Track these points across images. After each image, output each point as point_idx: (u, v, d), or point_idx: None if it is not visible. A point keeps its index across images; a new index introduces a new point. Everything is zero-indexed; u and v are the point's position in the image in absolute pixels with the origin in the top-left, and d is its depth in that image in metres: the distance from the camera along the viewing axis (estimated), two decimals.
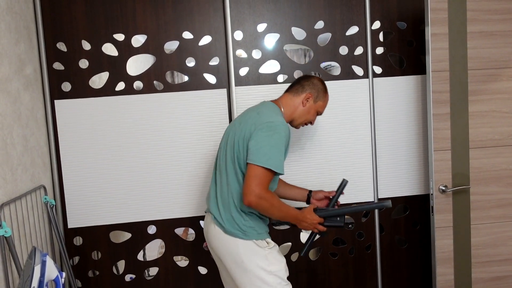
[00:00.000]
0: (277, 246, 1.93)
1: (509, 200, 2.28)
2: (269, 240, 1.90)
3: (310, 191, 2.13)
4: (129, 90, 2.31)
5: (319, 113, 2.00)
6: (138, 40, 2.29)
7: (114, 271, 2.41)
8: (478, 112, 2.24)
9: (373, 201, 2.29)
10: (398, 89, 2.45)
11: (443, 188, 2.23)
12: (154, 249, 2.42)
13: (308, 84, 1.94)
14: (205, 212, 2.00)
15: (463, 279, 2.30)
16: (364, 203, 2.14)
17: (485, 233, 2.29)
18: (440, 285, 2.28)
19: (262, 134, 1.74)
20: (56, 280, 1.49)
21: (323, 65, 2.40)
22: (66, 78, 2.27)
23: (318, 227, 1.86)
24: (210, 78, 2.35)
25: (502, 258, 2.31)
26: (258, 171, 1.70)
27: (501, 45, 2.20)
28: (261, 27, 2.35)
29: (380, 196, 2.50)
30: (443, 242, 2.27)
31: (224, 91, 2.35)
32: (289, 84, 2.37)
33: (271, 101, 1.94)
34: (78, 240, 2.37)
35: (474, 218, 2.28)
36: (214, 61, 2.34)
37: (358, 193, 2.48)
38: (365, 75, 2.43)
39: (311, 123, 2.01)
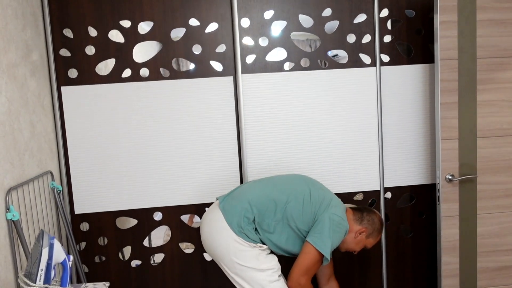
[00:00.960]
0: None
1: None
2: (262, 244, 1.96)
3: None
4: (135, 77, 2.31)
5: (366, 247, 2.04)
6: (144, 27, 2.29)
7: (120, 257, 2.43)
8: (486, 101, 2.22)
9: None
10: (406, 77, 2.44)
11: (450, 177, 2.22)
12: (160, 236, 2.44)
13: (369, 219, 2.01)
14: (216, 199, 2.01)
15: (468, 268, 2.30)
16: None
17: (491, 222, 2.29)
18: (445, 274, 2.28)
19: (330, 222, 1.88)
20: (63, 263, 1.50)
21: (329, 53, 2.39)
22: (72, 64, 2.27)
23: None
24: (217, 66, 2.34)
25: (508, 248, 2.30)
26: (315, 255, 1.85)
27: (511, 34, 2.18)
28: (268, 14, 2.34)
29: (386, 186, 2.50)
30: (449, 231, 2.27)
31: (231, 78, 2.35)
32: (297, 72, 2.36)
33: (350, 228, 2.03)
34: (84, 226, 2.38)
35: (480, 208, 2.28)
36: (221, 49, 2.33)
37: (364, 182, 2.48)
38: (373, 64, 2.41)
39: (354, 252, 2.07)
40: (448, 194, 2.24)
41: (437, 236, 2.29)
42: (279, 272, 1.91)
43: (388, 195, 2.52)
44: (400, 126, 2.47)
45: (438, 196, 2.24)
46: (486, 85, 2.21)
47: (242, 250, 1.84)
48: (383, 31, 2.40)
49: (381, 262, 2.56)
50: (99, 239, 2.40)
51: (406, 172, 2.51)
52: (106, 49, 2.28)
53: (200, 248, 2.46)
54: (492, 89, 2.21)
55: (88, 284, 1.67)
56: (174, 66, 2.32)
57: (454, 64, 2.18)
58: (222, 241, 1.88)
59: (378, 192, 2.50)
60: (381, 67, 2.41)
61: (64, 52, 2.26)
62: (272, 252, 1.98)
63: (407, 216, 2.55)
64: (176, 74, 2.32)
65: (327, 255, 1.83)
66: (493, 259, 2.31)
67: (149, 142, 2.35)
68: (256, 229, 1.89)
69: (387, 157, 2.48)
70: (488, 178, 2.26)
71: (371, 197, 2.50)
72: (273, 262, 1.90)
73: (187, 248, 2.46)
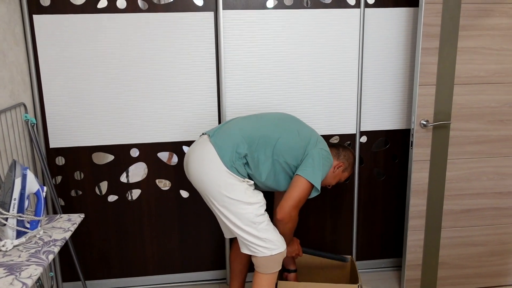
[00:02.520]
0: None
1: (488, 137, 2.33)
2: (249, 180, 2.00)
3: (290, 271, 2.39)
4: (111, 8, 2.21)
5: (340, 181, 2.15)
6: None
7: (97, 191, 2.45)
8: (467, 48, 2.22)
9: (337, 254, 2.44)
10: (390, 21, 2.40)
11: (424, 122, 2.26)
12: (137, 172, 2.45)
13: (345, 155, 2.11)
14: (202, 134, 2.01)
15: (435, 210, 2.40)
16: (329, 254, 2.41)
17: (460, 167, 2.36)
18: (412, 215, 2.38)
19: (320, 155, 1.95)
20: (37, 194, 1.50)
21: None
22: None
23: (295, 254, 2.23)
24: (197, 0, 2.26)
25: (474, 192, 2.40)
26: (305, 185, 1.90)
27: None
28: None
29: (362, 129, 2.53)
30: (419, 175, 2.34)
31: (212, 14, 2.27)
32: (279, 11, 2.30)
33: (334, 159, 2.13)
34: (60, 160, 2.37)
35: (451, 153, 2.34)
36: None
37: (341, 125, 2.50)
38: (357, 5, 2.36)
39: (329, 186, 2.17)
40: (421, 139, 2.29)
41: (408, 179, 2.36)
42: (265, 207, 1.96)
43: (364, 139, 2.56)
44: (380, 71, 2.46)
45: (412, 141, 2.29)
46: (468, 32, 2.20)
47: (232, 184, 1.87)
48: None
49: (352, 204, 2.64)
50: (75, 173, 2.40)
51: (383, 116, 2.54)
52: None
53: (176, 185, 2.49)
54: (474, 36, 2.21)
55: (63, 215, 1.69)
56: None
57: (438, 8, 2.15)
58: (212, 174, 1.88)
59: (354, 135, 2.53)
60: (366, 8, 2.37)
61: None
62: (257, 188, 2.03)
63: (380, 159, 2.61)
64: (155, 7, 2.24)
65: (318, 186, 1.90)
66: (459, 202, 2.41)
67: (126, 76, 2.29)
68: (246, 164, 1.92)
69: (365, 101, 2.50)
70: (461, 125, 2.31)
71: (347, 140, 2.54)
72: (260, 197, 1.94)
73: (164, 185, 2.48)
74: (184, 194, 2.51)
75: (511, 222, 2.45)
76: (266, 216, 1.94)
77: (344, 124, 2.51)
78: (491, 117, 2.31)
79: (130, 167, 2.43)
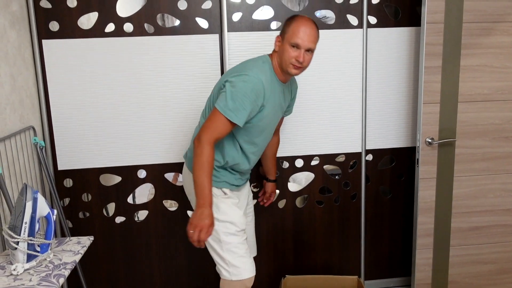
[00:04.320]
0: (238, 200, 2.00)
1: (494, 153, 2.34)
2: (227, 191, 1.93)
3: (268, 180, 2.34)
4: (119, 32, 2.25)
5: (294, 45, 1.74)
6: None
7: (104, 213, 2.45)
8: (469, 66, 2.24)
9: None
10: (392, 40, 2.44)
11: (430, 140, 2.27)
12: (144, 193, 2.46)
13: (282, 27, 1.84)
14: None
15: (443, 228, 2.39)
16: None
17: (467, 185, 2.36)
18: (420, 233, 2.37)
19: (232, 82, 1.71)
20: (47, 217, 1.52)
21: (317, 14, 2.36)
22: (53, 17, 2.20)
23: (203, 232, 1.62)
24: (202, 23, 2.30)
25: (481, 209, 2.40)
26: (216, 116, 1.70)
27: None
28: None
29: (367, 148, 2.55)
30: (426, 192, 2.34)
31: (216, 36, 2.31)
32: None
33: (269, 54, 1.88)
34: (68, 182, 2.39)
35: (457, 171, 2.34)
36: (207, 5, 2.28)
37: (346, 144, 2.52)
38: (360, 25, 2.40)
39: (297, 60, 1.75)
40: (427, 157, 2.30)
41: (415, 197, 2.36)
42: (240, 229, 1.85)
43: (370, 157, 2.57)
44: (384, 89, 2.49)
45: (417, 159, 2.30)
46: (471, 50, 2.23)
47: None
48: None
49: (359, 222, 2.64)
50: (83, 195, 2.42)
51: (388, 135, 2.55)
52: (88, 2, 2.21)
53: (183, 206, 2.50)
54: (476, 54, 2.23)
55: (72, 238, 1.70)
56: (159, 21, 2.27)
57: (440, 28, 2.18)
58: (189, 188, 1.98)
59: (359, 154, 2.55)
60: (368, 29, 2.40)
61: (45, 4, 2.19)
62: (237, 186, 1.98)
63: (387, 177, 2.62)
64: (161, 30, 2.28)
65: (230, 116, 1.69)
66: (466, 220, 2.40)
67: (133, 99, 2.33)
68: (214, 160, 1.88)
69: (370, 120, 2.52)
70: (466, 142, 2.31)
71: (352, 158, 2.55)
72: (234, 217, 1.85)
73: (171, 206, 2.49)
74: (191, 214, 2.51)
75: None
76: (239, 239, 1.85)
77: (349, 143, 2.52)
78: (496, 134, 2.32)
79: (137, 188, 2.45)
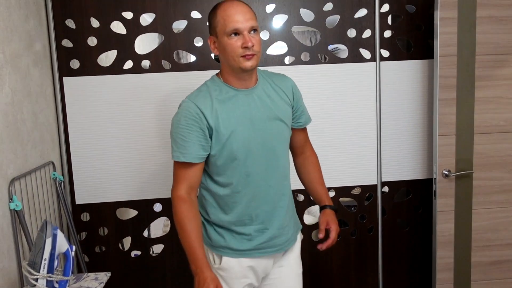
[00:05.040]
0: (234, 277, 1.56)
1: None
2: (231, 261, 1.55)
3: (325, 207, 1.70)
4: (136, 69, 2.32)
5: (232, 32, 1.40)
6: (146, 18, 2.29)
7: (120, 247, 2.46)
8: (484, 97, 2.24)
9: None
10: (405, 73, 2.46)
11: (447, 172, 2.25)
12: (159, 227, 2.47)
13: (209, 27, 1.51)
14: None
15: (463, 263, 2.34)
16: None
17: (486, 217, 2.32)
18: (440, 267, 2.32)
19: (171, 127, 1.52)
20: (66, 253, 1.53)
21: (330, 47, 2.41)
22: (74, 55, 2.28)
23: None
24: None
25: (502, 243, 2.34)
26: (174, 165, 1.52)
27: (510, 31, 2.20)
28: (270, 7, 2.35)
29: (383, 180, 2.53)
30: (444, 226, 2.30)
31: None
32: (297, 67, 2.38)
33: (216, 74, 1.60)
34: (85, 216, 2.41)
35: (476, 203, 2.31)
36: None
37: (362, 176, 2.51)
38: (373, 59, 2.43)
39: (245, 47, 1.40)
40: (444, 189, 2.27)
41: (433, 230, 2.32)
42: None
43: (386, 189, 2.55)
44: (398, 121, 2.49)
45: (435, 191, 2.27)
46: (485, 82, 2.23)
47: None
48: (384, 26, 2.42)
49: (377, 256, 2.60)
50: (99, 229, 2.43)
51: (404, 166, 2.54)
52: (108, 40, 2.28)
53: None
54: (490, 86, 2.24)
55: (90, 274, 1.70)
56: (175, 58, 2.33)
57: (453, 61, 2.20)
58: None
59: (375, 186, 2.53)
60: (381, 62, 2.43)
61: (66, 43, 2.27)
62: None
63: (403, 210, 2.59)
64: (178, 66, 2.34)
65: (174, 156, 1.48)
66: (487, 254, 2.35)
67: (150, 133, 2.36)
68: (203, 211, 1.60)
69: (385, 152, 2.51)
70: (484, 174, 2.29)
71: (368, 191, 2.53)
72: None
73: None
74: None
75: None
76: None
77: (365, 175, 2.51)
78: None
79: (152, 222, 2.45)
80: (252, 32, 1.42)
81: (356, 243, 2.58)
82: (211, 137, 1.47)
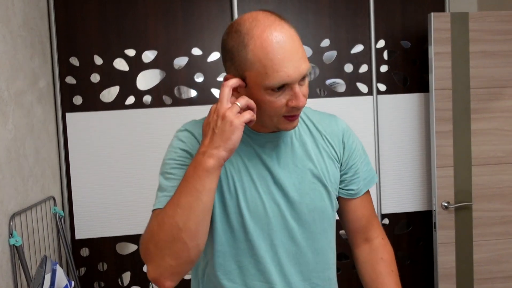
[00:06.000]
0: None
1: None
2: None
3: None
4: (138, 104, 2.36)
5: (277, 87, 0.91)
6: (148, 55, 2.35)
7: (120, 282, 2.43)
8: (480, 130, 2.27)
9: None
10: (402, 106, 2.50)
11: (446, 204, 2.26)
12: None
13: (222, 56, 0.98)
14: None
15: None
16: None
17: (487, 249, 2.31)
18: None
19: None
20: None
21: (328, 82, 2.46)
22: (77, 91, 2.33)
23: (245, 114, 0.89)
24: (218, 93, 2.40)
25: (505, 275, 2.32)
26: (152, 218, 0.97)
27: (503, 65, 2.25)
28: None
29: (383, 212, 2.53)
30: (445, 258, 2.29)
31: None
32: None
33: None
34: (84, 251, 2.40)
35: (476, 235, 2.31)
36: (222, 77, 2.39)
37: None
38: (370, 92, 2.47)
39: (295, 107, 0.93)
40: (444, 221, 2.28)
41: (434, 263, 2.31)
42: None
43: (386, 221, 2.55)
44: (396, 154, 2.52)
45: (435, 223, 2.27)
46: (480, 114, 2.27)
47: None
48: (380, 61, 2.48)
49: None
50: (99, 264, 2.41)
51: (403, 199, 2.54)
52: (110, 77, 2.34)
53: None
54: (486, 118, 2.27)
55: None
56: (176, 93, 2.38)
57: (448, 94, 2.24)
58: None
59: None
60: (378, 95, 2.48)
61: (70, 80, 2.32)
62: None
63: (404, 243, 2.58)
64: (178, 102, 2.38)
65: (156, 203, 0.97)
66: (490, 286, 2.32)
67: (150, 168, 2.38)
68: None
69: (384, 184, 2.52)
70: (483, 206, 2.30)
71: None
72: None
73: (187, 274, 2.46)
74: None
75: None
76: None
77: None
78: None
79: None
80: (302, 80, 0.93)
81: (358, 276, 2.55)
82: None
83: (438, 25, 2.21)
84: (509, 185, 2.29)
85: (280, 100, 0.92)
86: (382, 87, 2.49)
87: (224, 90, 0.90)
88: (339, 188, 1.11)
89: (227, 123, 0.87)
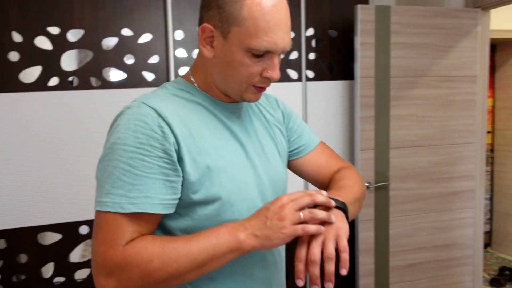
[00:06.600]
0: None
1: (423, 195, 2.56)
2: None
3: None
4: (63, 86, 2.21)
5: (263, 51, 0.87)
6: (74, 34, 2.20)
7: (42, 274, 2.30)
8: (398, 115, 2.47)
9: None
10: (329, 92, 2.63)
11: (367, 184, 2.44)
12: (86, 250, 2.35)
13: (204, 3, 0.91)
14: None
15: (382, 267, 2.54)
16: None
17: (402, 224, 2.55)
18: (362, 273, 2.50)
19: (105, 149, 0.87)
20: None
21: None
22: None
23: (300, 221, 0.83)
24: (149, 76, 2.33)
25: (415, 247, 2.58)
26: (98, 220, 0.84)
27: (419, 56, 2.46)
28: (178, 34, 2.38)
29: None
30: (365, 234, 2.49)
31: None
32: None
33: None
34: (1, 244, 2.22)
35: (392, 212, 2.53)
36: (154, 60, 2.32)
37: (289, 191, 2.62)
38: (299, 79, 2.56)
39: (270, 78, 0.91)
40: (365, 200, 2.46)
41: (355, 238, 2.49)
42: None
43: None
44: (323, 138, 2.65)
45: None
46: (398, 101, 2.47)
47: None
48: (309, 49, 2.57)
49: None
50: (18, 257, 2.26)
51: None
52: (31, 56, 2.15)
53: None
54: (403, 105, 2.48)
55: None
56: (105, 75, 2.27)
57: (371, 82, 2.40)
58: None
59: None
60: (307, 82, 2.58)
61: None
62: None
63: None
64: (107, 84, 2.27)
65: (112, 204, 0.82)
66: (403, 258, 2.57)
67: (76, 153, 2.26)
68: None
69: None
70: (399, 185, 2.52)
71: None
72: None
73: None
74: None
75: (449, 273, 2.65)
76: None
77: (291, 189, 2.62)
78: (424, 177, 2.55)
79: (78, 246, 2.34)
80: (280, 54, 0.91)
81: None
82: (178, 168, 0.86)
83: (364, 16, 2.34)
84: (421, 166, 2.54)
85: (257, 67, 0.89)
86: (311, 74, 2.59)
87: (304, 197, 0.84)
88: (290, 152, 1.14)
89: (279, 226, 0.82)
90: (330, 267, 0.82)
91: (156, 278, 0.80)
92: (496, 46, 4.10)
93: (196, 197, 0.88)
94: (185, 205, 0.89)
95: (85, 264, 2.35)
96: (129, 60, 2.29)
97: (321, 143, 1.18)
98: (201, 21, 0.92)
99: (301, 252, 0.84)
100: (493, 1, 2.45)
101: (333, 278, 0.82)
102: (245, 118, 1.02)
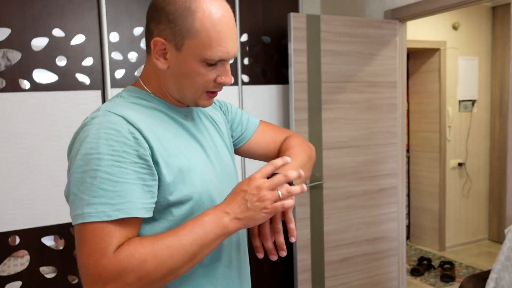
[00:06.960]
0: None
1: (353, 192, 2.72)
2: None
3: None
4: None
5: (215, 60, 0.92)
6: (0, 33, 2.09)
7: None
8: (329, 118, 2.62)
9: None
10: (264, 96, 2.72)
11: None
12: (16, 262, 2.22)
13: (152, 17, 0.94)
14: None
15: (318, 262, 2.66)
16: None
17: (334, 221, 2.69)
18: (300, 269, 2.60)
19: (73, 159, 0.87)
20: None
21: None
22: None
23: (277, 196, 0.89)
24: (84, 79, 2.26)
25: (347, 242, 2.74)
26: (82, 233, 0.83)
27: (346, 63, 2.63)
28: (138, 30, 2.36)
29: None
30: (302, 231, 2.59)
31: (99, 92, 2.29)
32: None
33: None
34: None
35: (326, 209, 2.66)
36: (88, 62, 2.26)
37: None
38: (235, 83, 2.63)
39: (223, 83, 0.97)
40: (301, 199, 2.57)
41: None
42: None
43: None
44: None
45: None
46: (329, 105, 2.61)
47: None
48: (244, 54, 2.64)
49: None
50: None
51: None
52: None
53: (64, 271, 2.31)
54: (333, 108, 2.63)
55: None
56: (36, 77, 2.17)
57: (304, 86, 2.53)
58: None
59: None
60: (243, 86, 2.65)
61: None
62: None
63: None
64: (38, 86, 2.17)
65: (96, 214, 0.82)
66: (337, 253, 2.71)
67: (7, 159, 2.13)
68: None
69: (248, 170, 2.71)
70: (331, 184, 2.66)
71: None
72: None
73: (49, 272, 2.29)
74: (73, 280, 2.34)
75: (378, 264, 2.84)
76: None
77: None
78: (353, 175, 2.71)
79: (8, 258, 2.19)
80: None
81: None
82: (155, 174, 0.89)
83: (296, 24, 2.46)
84: (351, 165, 2.70)
85: (212, 74, 0.94)
86: (246, 78, 2.66)
87: (279, 178, 0.90)
88: (235, 140, 1.21)
89: (260, 207, 0.88)
90: (280, 238, 0.95)
91: (153, 277, 0.82)
92: (409, 55, 4.48)
93: (172, 198, 0.91)
94: (162, 208, 0.92)
95: (15, 277, 2.21)
96: (61, 61, 2.21)
97: (261, 122, 1.25)
98: (150, 34, 0.95)
99: (255, 229, 0.96)
100: (409, 14, 2.69)
101: (284, 247, 0.95)
102: (197, 120, 1.07)
